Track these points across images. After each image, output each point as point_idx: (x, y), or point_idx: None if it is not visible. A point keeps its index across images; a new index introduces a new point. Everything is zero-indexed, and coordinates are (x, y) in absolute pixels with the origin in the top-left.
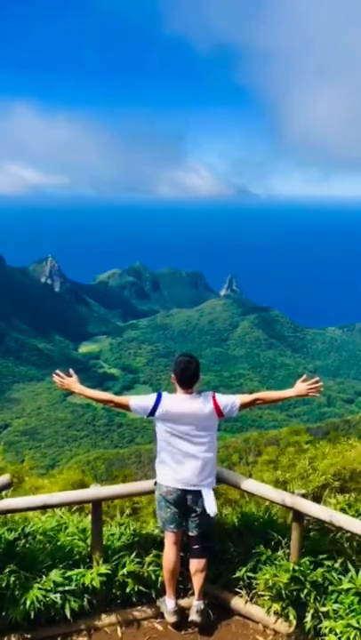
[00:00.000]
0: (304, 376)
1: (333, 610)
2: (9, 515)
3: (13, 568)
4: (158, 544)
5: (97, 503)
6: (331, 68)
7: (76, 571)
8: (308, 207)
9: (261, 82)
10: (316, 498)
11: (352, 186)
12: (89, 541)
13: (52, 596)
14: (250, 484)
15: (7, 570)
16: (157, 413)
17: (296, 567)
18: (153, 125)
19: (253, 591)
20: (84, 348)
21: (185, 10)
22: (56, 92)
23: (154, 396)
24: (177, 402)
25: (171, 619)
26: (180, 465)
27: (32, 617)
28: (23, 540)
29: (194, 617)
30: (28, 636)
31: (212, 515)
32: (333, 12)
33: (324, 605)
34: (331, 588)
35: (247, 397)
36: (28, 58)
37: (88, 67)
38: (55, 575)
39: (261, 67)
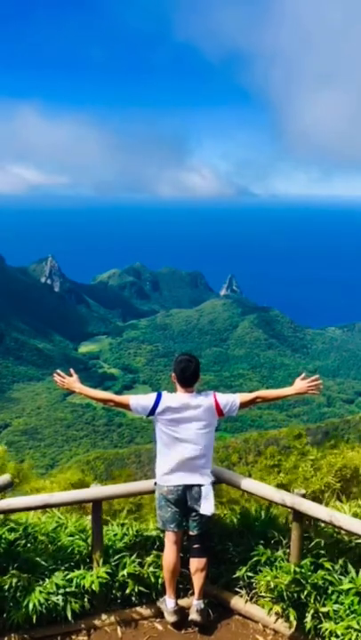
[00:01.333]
0: (303, 374)
1: (334, 610)
2: (11, 514)
3: (15, 572)
4: (159, 544)
5: (97, 503)
6: (332, 70)
7: (76, 572)
8: (309, 207)
9: (264, 84)
10: (318, 499)
11: (353, 185)
12: (90, 541)
13: (53, 598)
14: (250, 484)
15: (9, 572)
16: (157, 412)
17: (297, 569)
18: (155, 126)
19: (253, 591)
20: (84, 347)
21: (191, 13)
22: (59, 92)
23: (154, 396)
24: (177, 401)
25: (171, 618)
26: (179, 464)
27: (34, 620)
28: (24, 541)
29: (194, 616)
30: (28, 635)
31: (207, 514)
32: (336, 16)
33: (324, 606)
34: (331, 588)
35: (247, 396)
36: (31, 59)
37: (93, 68)
38: (57, 578)
39: (264, 69)
